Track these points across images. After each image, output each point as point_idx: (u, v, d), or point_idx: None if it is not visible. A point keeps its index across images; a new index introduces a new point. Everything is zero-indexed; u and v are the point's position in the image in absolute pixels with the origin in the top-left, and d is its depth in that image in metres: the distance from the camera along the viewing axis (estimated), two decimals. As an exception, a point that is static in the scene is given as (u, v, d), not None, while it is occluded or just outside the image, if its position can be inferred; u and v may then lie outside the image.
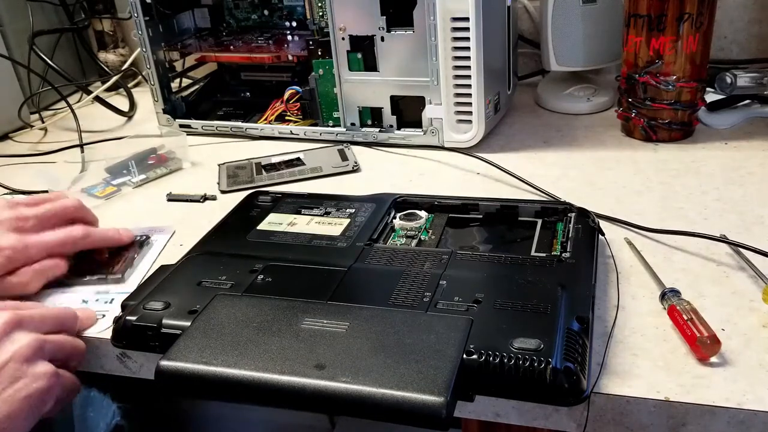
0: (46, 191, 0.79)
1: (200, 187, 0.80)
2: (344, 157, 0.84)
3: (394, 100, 0.85)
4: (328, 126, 0.90)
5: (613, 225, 0.65)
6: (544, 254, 0.58)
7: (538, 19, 0.99)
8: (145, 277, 0.61)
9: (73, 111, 0.98)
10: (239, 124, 0.94)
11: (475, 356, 0.44)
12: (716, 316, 0.51)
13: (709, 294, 0.54)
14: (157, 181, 0.84)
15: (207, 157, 0.89)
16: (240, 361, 0.45)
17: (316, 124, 0.91)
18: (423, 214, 0.65)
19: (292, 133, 0.91)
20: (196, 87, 1.05)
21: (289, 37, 0.99)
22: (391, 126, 0.87)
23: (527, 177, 0.75)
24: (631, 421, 0.45)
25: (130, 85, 1.14)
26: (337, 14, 0.83)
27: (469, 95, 0.80)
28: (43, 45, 1.07)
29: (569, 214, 0.62)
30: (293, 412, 0.55)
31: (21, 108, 1.03)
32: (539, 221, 0.64)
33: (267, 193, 0.71)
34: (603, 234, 0.61)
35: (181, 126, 0.95)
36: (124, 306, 0.54)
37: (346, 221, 0.63)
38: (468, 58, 0.78)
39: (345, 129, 0.89)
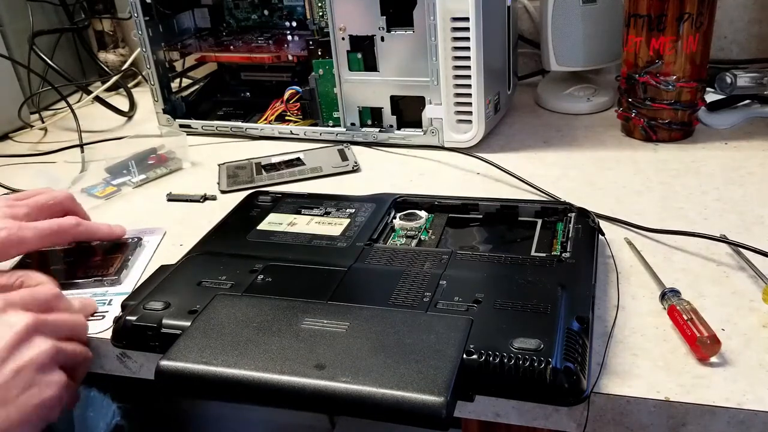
0: (46, 191, 0.80)
1: (200, 187, 0.80)
2: (344, 157, 0.84)
3: (394, 100, 0.85)
4: (328, 126, 0.90)
5: (613, 225, 0.65)
6: (544, 254, 0.58)
7: (538, 19, 0.99)
8: (141, 278, 0.61)
9: (73, 111, 0.98)
10: (239, 124, 0.94)
11: (475, 356, 0.44)
12: (716, 316, 0.51)
13: (709, 294, 0.54)
14: (157, 181, 0.84)
15: (207, 157, 0.89)
16: (240, 361, 0.45)
17: (316, 124, 0.91)
18: (423, 214, 0.65)
19: (292, 133, 0.91)
20: (196, 87, 1.05)
21: (289, 37, 0.99)
22: (391, 126, 0.87)
23: (527, 177, 0.75)
24: (631, 421, 0.45)
25: (130, 85, 1.14)
26: (337, 14, 0.83)
27: (469, 95, 0.80)
28: (43, 45, 1.07)
29: (569, 214, 0.62)
30: (293, 412, 0.55)
31: (21, 108, 1.03)
32: (539, 221, 0.64)
33: (267, 193, 0.71)
34: (603, 234, 0.61)
35: (181, 126, 0.95)
36: (124, 306, 0.54)
37: (346, 221, 0.63)
38: (468, 58, 0.78)
39: (345, 129, 0.89)
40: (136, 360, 0.55)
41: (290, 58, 0.94)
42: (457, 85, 0.80)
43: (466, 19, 0.76)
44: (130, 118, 1.07)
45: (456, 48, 0.78)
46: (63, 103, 1.03)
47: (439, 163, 0.82)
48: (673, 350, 0.48)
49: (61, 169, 0.89)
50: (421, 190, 0.72)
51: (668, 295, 0.52)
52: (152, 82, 0.95)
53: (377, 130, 0.87)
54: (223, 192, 0.78)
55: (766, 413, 0.43)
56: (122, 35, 1.22)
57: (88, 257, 0.64)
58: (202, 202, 0.77)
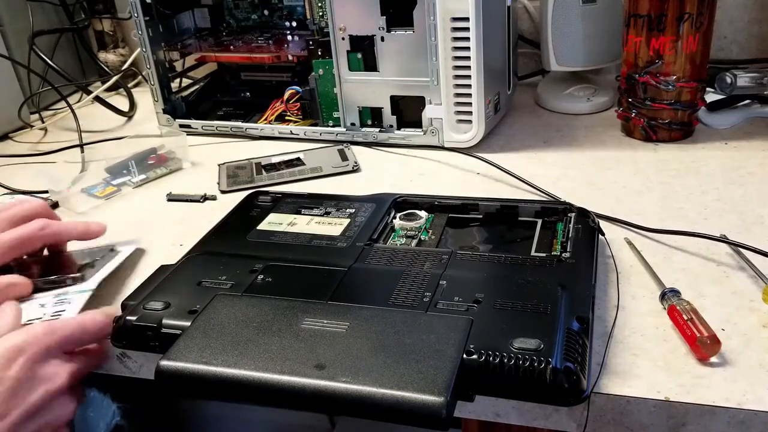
0: (46, 191, 0.80)
1: (200, 187, 0.80)
2: (344, 157, 0.84)
3: (394, 100, 0.85)
4: (328, 126, 0.90)
5: (613, 225, 0.65)
6: (544, 254, 0.58)
7: (538, 19, 0.99)
8: (104, 278, 0.59)
9: (73, 111, 0.98)
10: (239, 124, 0.94)
11: (475, 356, 0.44)
12: (716, 316, 0.51)
13: (709, 294, 0.54)
14: (157, 181, 0.84)
15: (207, 157, 0.89)
16: (240, 361, 0.45)
17: (316, 124, 0.91)
18: (423, 214, 0.65)
19: (292, 133, 0.91)
20: (196, 87, 1.05)
21: (289, 37, 0.99)
22: (391, 126, 0.87)
23: (527, 177, 0.75)
24: (631, 421, 0.45)
25: (130, 85, 1.14)
26: (337, 14, 0.83)
27: (469, 95, 0.80)
28: (43, 45, 1.07)
29: (569, 214, 0.62)
30: (293, 412, 0.55)
31: (21, 108, 1.03)
32: (539, 221, 0.64)
33: (267, 193, 0.71)
34: (603, 234, 0.61)
35: (181, 126, 0.95)
36: (124, 306, 0.54)
37: (346, 221, 0.63)
38: (468, 58, 0.78)
39: (345, 129, 0.89)
40: (136, 360, 0.55)
41: (290, 58, 0.94)
42: (457, 85, 0.80)
43: (466, 19, 0.76)
44: (130, 118, 1.07)
45: (456, 48, 0.78)
46: (63, 103, 1.03)
47: (439, 163, 0.82)
48: (673, 350, 0.48)
49: (61, 169, 0.89)
50: (421, 190, 0.72)
51: (668, 295, 0.52)
52: (152, 82, 0.95)
53: (377, 130, 0.87)
54: (223, 192, 0.78)
55: (766, 413, 0.43)
56: (122, 35, 1.22)
57: (62, 267, 0.61)
58: (202, 202, 0.77)
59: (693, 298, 0.52)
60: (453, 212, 0.66)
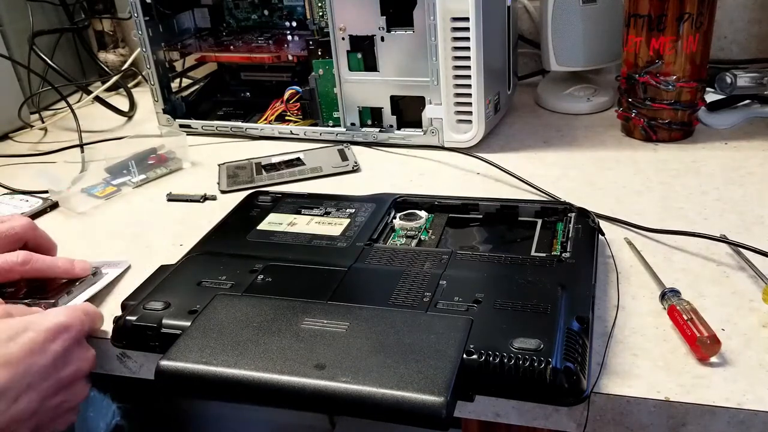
0: (46, 191, 0.80)
1: (200, 187, 0.80)
2: (344, 157, 0.84)
3: (394, 100, 0.85)
4: (328, 126, 0.90)
5: (613, 225, 0.65)
6: (544, 254, 0.58)
7: (538, 19, 0.99)
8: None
9: (73, 111, 0.98)
10: (239, 124, 0.94)
11: (475, 356, 0.44)
12: (716, 316, 0.51)
13: (709, 294, 0.54)
14: (157, 181, 0.84)
15: (207, 157, 0.89)
16: (240, 361, 0.45)
17: (316, 124, 0.91)
18: (423, 214, 0.65)
19: (292, 133, 0.91)
20: (196, 87, 1.05)
21: (289, 37, 0.99)
22: (391, 126, 0.87)
23: (527, 177, 0.75)
24: (631, 421, 0.45)
25: (130, 85, 1.14)
26: (337, 14, 0.83)
27: (469, 95, 0.80)
28: (43, 45, 1.07)
29: (569, 214, 0.62)
30: (293, 412, 0.55)
31: (21, 108, 1.03)
32: (539, 221, 0.64)
33: (267, 193, 0.71)
34: (603, 234, 0.61)
35: (181, 126, 0.95)
36: (124, 306, 0.54)
37: (346, 221, 0.63)
38: (468, 58, 0.78)
39: (345, 129, 0.89)
40: (136, 360, 0.55)
41: (290, 58, 0.94)
42: (457, 85, 0.80)
43: (466, 19, 0.76)
44: (130, 118, 1.07)
45: (456, 48, 0.78)
46: (63, 103, 1.03)
47: (439, 163, 0.82)
48: (673, 350, 0.48)
49: (61, 169, 0.89)
50: (421, 190, 0.73)
51: (668, 295, 0.52)
52: (152, 82, 0.95)
53: (377, 130, 0.87)
54: (223, 192, 0.78)
55: (766, 413, 0.43)
56: (122, 35, 1.22)
57: (47, 281, 0.60)
58: (202, 202, 0.77)
59: (693, 298, 0.52)
60: (453, 212, 0.66)
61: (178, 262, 0.58)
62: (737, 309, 0.52)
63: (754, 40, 0.99)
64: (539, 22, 0.96)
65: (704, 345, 0.46)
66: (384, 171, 0.81)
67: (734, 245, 0.58)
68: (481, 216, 0.66)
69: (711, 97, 0.85)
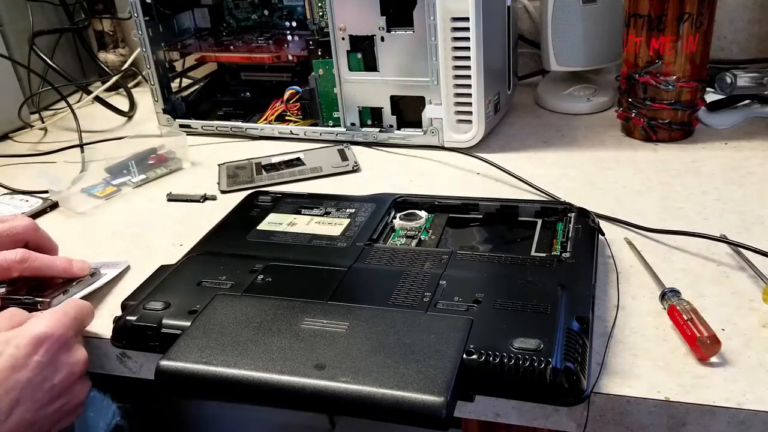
0: (46, 191, 0.80)
1: (200, 187, 0.80)
2: (344, 157, 0.84)
3: (394, 100, 0.85)
4: (328, 126, 0.90)
5: (613, 225, 0.65)
6: (544, 254, 0.58)
7: (538, 19, 0.99)
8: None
9: (73, 111, 0.98)
10: (239, 124, 0.94)
11: (475, 356, 0.44)
12: (716, 316, 0.51)
13: (709, 294, 0.54)
14: (157, 181, 0.84)
15: (207, 157, 0.89)
16: (240, 361, 0.45)
17: (316, 124, 0.91)
18: (423, 214, 0.65)
19: (292, 133, 0.91)
20: (196, 87, 1.05)
21: (289, 37, 0.99)
22: (391, 126, 0.87)
23: (527, 177, 0.75)
24: (631, 421, 0.45)
25: (130, 85, 1.14)
26: (337, 14, 0.83)
27: (469, 95, 0.80)
28: (43, 45, 1.07)
29: (569, 214, 0.62)
30: (293, 412, 0.55)
31: (21, 108, 1.03)
32: (539, 221, 0.64)
33: (267, 193, 0.71)
34: (603, 234, 0.61)
35: (181, 126, 0.95)
36: (124, 306, 0.54)
37: (346, 221, 0.63)
38: (468, 58, 0.78)
39: (345, 129, 0.89)
40: (136, 360, 0.55)
41: (290, 58, 0.94)
42: (457, 85, 0.80)
43: (466, 19, 0.76)
44: (130, 118, 1.07)
45: (456, 48, 0.78)
46: (63, 103, 1.03)
47: (439, 163, 0.82)
48: (673, 350, 0.48)
49: (61, 169, 0.89)
50: (421, 190, 0.72)
51: (668, 295, 0.52)
52: (152, 82, 0.95)
53: (377, 130, 0.87)
54: (223, 192, 0.78)
55: (766, 413, 0.43)
56: (122, 35, 1.22)
57: (35, 283, 0.59)
58: (202, 202, 0.77)
59: (693, 298, 0.51)
60: (453, 212, 0.66)
61: (178, 262, 0.58)
62: (737, 309, 0.52)
63: (754, 40, 0.99)
64: (539, 22, 0.96)
65: (704, 345, 0.46)
66: (384, 171, 0.81)
67: (734, 245, 0.58)
68: (481, 216, 0.66)
69: (711, 97, 0.85)
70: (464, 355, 0.44)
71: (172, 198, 0.78)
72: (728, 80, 0.84)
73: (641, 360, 0.47)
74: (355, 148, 0.87)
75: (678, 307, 0.50)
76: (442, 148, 0.84)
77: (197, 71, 1.10)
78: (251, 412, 0.84)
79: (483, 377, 0.43)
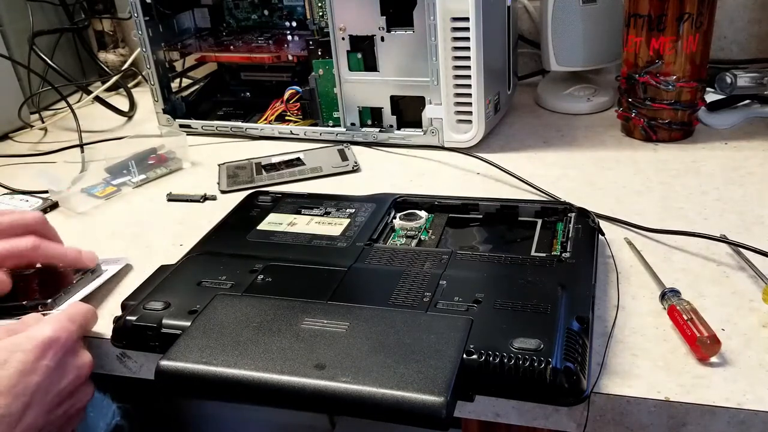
0: (46, 191, 0.80)
1: (200, 187, 0.80)
2: (344, 157, 0.84)
3: (394, 100, 0.85)
4: (328, 126, 0.90)
5: (613, 225, 0.65)
6: (544, 254, 0.58)
7: (538, 19, 0.99)
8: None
9: (73, 111, 0.98)
10: (239, 124, 0.94)
11: (475, 356, 0.44)
12: (716, 316, 0.51)
13: (709, 294, 0.54)
14: (157, 181, 0.84)
15: (207, 157, 0.89)
16: (240, 361, 0.45)
17: (316, 124, 0.91)
18: (423, 214, 0.65)
19: (292, 133, 0.91)
20: (196, 87, 1.05)
21: (289, 37, 0.99)
22: (391, 126, 0.87)
23: (527, 177, 0.75)
24: (631, 421, 0.45)
25: (130, 85, 1.14)
26: (337, 14, 0.83)
27: (469, 95, 0.80)
28: (43, 45, 1.07)
29: (569, 214, 0.62)
30: (293, 412, 0.55)
31: (21, 108, 1.03)
32: (539, 221, 0.64)
33: (267, 193, 0.71)
34: (603, 234, 0.61)
35: (181, 126, 0.95)
36: (124, 306, 0.54)
37: (346, 221, 0.63)
38: (468, 58, 0.78)
39: (345, 129, 0.89)
40: (136, 360, 0.55)
41: (290, 58, 0.94)
42: (457, 85, 0.80)
43: (466, 19, 0.76)
44: (130, 118, 1.07)
45: (456, 48, 0.78)
46: (63, 103, 1.03)
47: (439, 163, 0.82)
48: (673, 350, 0.48)
49: (61, 169, 0.89)
50: (421, 190, 0.72)
51: (668, 295, 0.52)
52: (152, 82, 0.95)
53: (377, 130, 0.87)
54: (223, 192, 0.78)
55: (766, 413, 0.43)
56: (122, 35, 1.22)
57: (59, 275, 0.60)
58: (202, 202, 0.77)
59: (693, 298, 0.52)
60: (453, 212, 0.66)
61: (178, 262, 0.58)
62: (737, 309, 0.52)
63: (754, 40, 0.99)
64: (539, 22, 0.96)
65: (704, 345, 0.46)
66: (384, 171, 0.81)
67: (734, 245, 0.58)
68: (481, 216, 0.66)
69: (711, 97, 0.85)
70: (464, 355, 0.44)
71: (172, 198, 0.78)
72: (728, 80, 0.84)
73: (641, 360, 0.47)
74: (355, 148, 0.87)
75: (678, 307, 0.50)
76: (442, 148, 0.84)
77: (197, 71, 1.10)
78: (251, 412, 0.84)
79: (483, 377, 0.43)
